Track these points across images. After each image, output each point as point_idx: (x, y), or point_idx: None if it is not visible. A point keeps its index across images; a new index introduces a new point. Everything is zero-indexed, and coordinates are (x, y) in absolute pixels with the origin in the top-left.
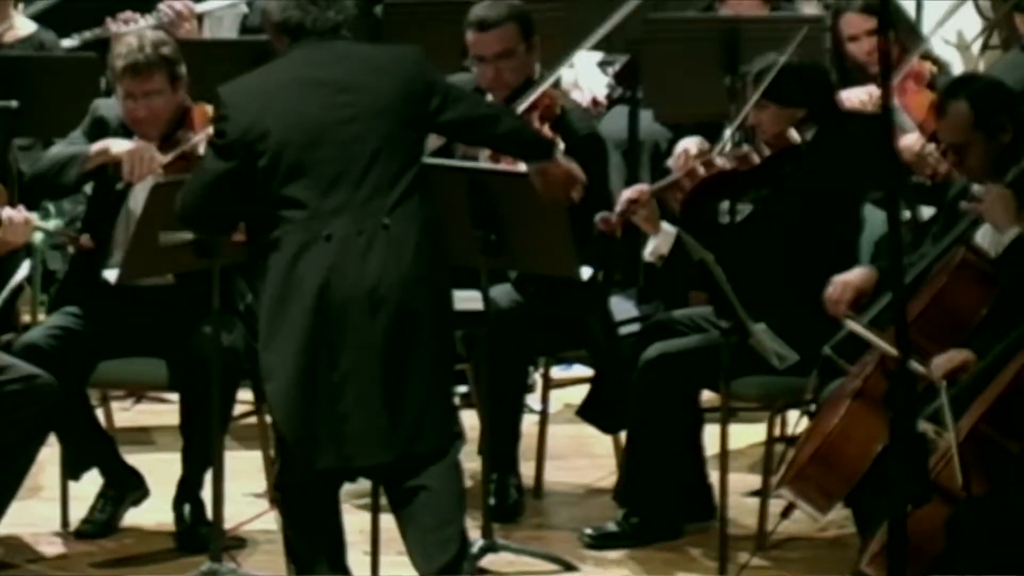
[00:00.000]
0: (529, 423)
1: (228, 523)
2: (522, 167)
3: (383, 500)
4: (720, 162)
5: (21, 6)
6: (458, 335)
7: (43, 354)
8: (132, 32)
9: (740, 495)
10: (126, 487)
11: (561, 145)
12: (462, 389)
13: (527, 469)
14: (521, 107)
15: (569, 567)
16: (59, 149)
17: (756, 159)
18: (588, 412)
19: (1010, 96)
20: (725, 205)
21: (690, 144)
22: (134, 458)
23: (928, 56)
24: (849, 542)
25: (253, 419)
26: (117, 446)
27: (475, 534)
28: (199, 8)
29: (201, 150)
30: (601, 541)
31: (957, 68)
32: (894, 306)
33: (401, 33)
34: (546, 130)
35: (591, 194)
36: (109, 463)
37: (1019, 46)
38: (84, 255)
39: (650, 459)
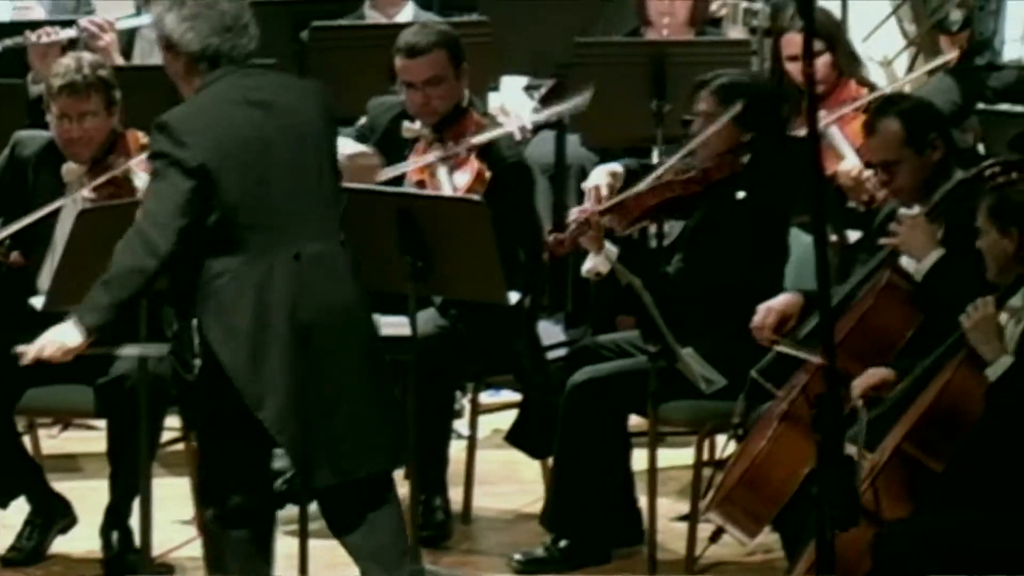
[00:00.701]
0: (457, 449)
1: (156, 550)
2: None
3: (312, 525)
4: (667, 187)
5: None
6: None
7: None
8: (70, 54)
9: (668, 519)
10: (53, 514)
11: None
12: None
13: (455, 494)
14: (463, 146)
15: None
16: None
17: (699, 185)
18: (516, 437)
19: (940, 115)
20: (652, 229)
21: (600, 180)
22: (61, 485)
23: (864, 82)
24: (777, 566)
25: (180, 446)
26: (44, 473)
27: None
28: (120, 25)
29: (135, 177)
30: (530, 566)
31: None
32: (822, 328)
33: (327, 57)
34: (472, 159)
35: (518, 220)
36: (36, 491)
37: (945, 70)
38: (9, 281)
39: (578, 484)
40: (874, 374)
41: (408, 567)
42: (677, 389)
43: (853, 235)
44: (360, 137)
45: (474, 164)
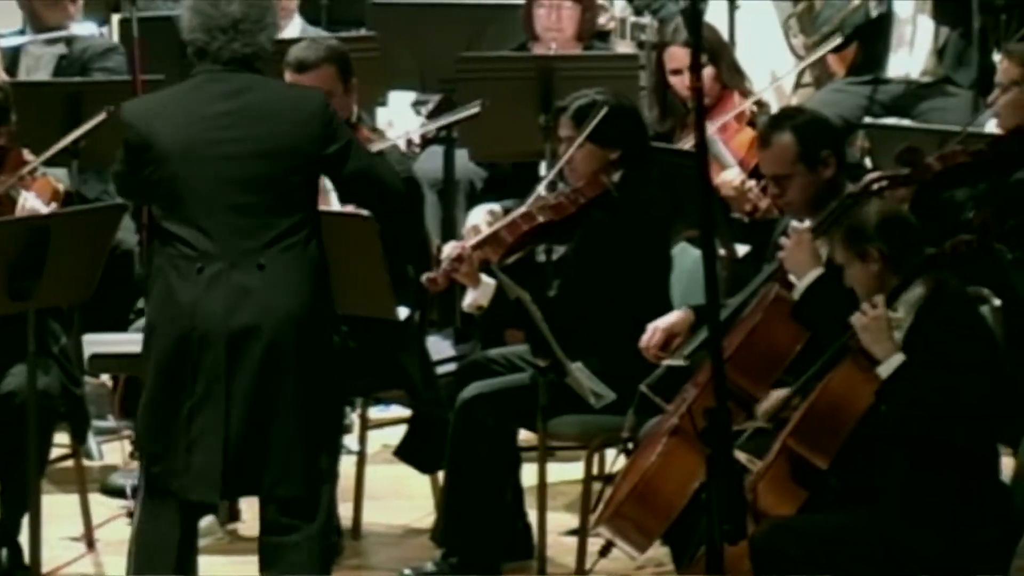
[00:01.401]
0: (347, 464)
1: (45, 567)
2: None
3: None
4: (538, 214)
5: None
6: None
7: None
8: None
9: (558, 534)
10: None
11: None
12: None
13: (345, 510)
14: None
15: None
16: None
17: (572, 208)
18: (406, 452)
19: (834, 131)
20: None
21: (479, 220)
22: None
23: (748, 94)
24: None
25: (70, 462)
26: None
27: None
28: (2, 43)
29: (17, 195)
30: None
31: (773, 106)
32: (711, 343)
33: None
34: None
35: (406, 235)
36: None
37: (831, 85)
38: None
39: (468, 499)
40: (778, 397)
41: None
42: (566, 403)
43: (742, 249)
44: None
45: None
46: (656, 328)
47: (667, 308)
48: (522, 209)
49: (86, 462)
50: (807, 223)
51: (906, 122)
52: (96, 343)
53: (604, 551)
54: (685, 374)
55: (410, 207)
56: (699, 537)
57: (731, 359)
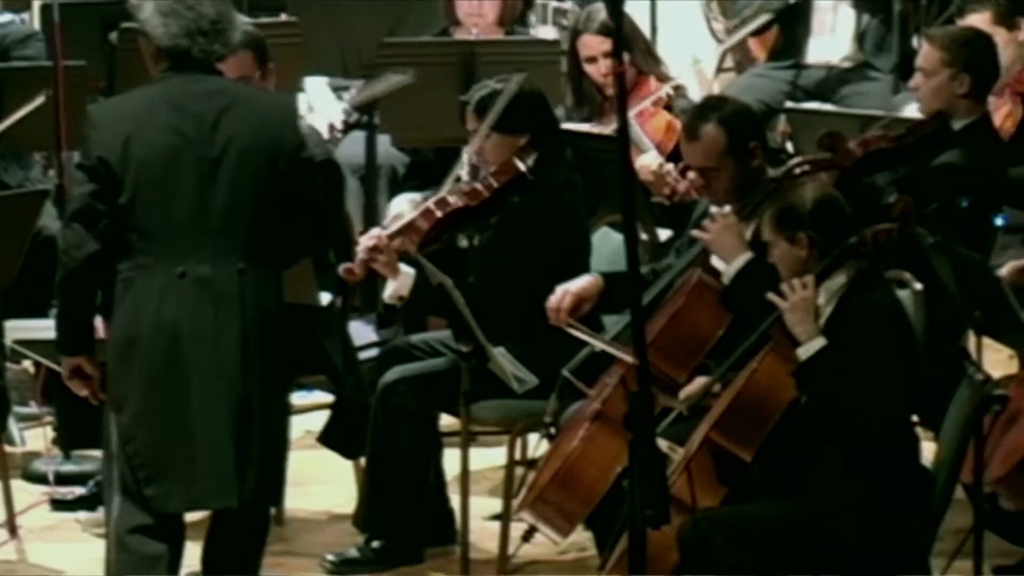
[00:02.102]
0: None
1: None
2: None
3: None
4: (453, 200)
5: None
6: None
7: None
8: None
9: (481, 519)
10: None
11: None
12: None
13: None
14: None
15: None
16: None
17: (486, 193)
18: (328, 438)
19: (759, 122)
20: None
21: (402, 206)
22: None
23: (664, 79)
24: (590, 564)
25: None
26: None
27: None
28: None
29: None
30: (342, 567)
31: (692, 90)
32: (633, 326)
33: (137, 59)
34: None
35: (326, 220)
36: None
37: (753, 70)
38: None
39: (390, 484)
40: (702, 383)
41: None
42: (489, 388)
43: (664, 233)
44: None
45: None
46: (567, 291)
47: None
48: (435, 198)
49: (8, 448)
50: (727, 208)
51: (827, 107)
52: (18, 329)
53: (527, 536)
54: (607, 358)
55: (332, 190)
56: (622, 522)
57: (653, 344)
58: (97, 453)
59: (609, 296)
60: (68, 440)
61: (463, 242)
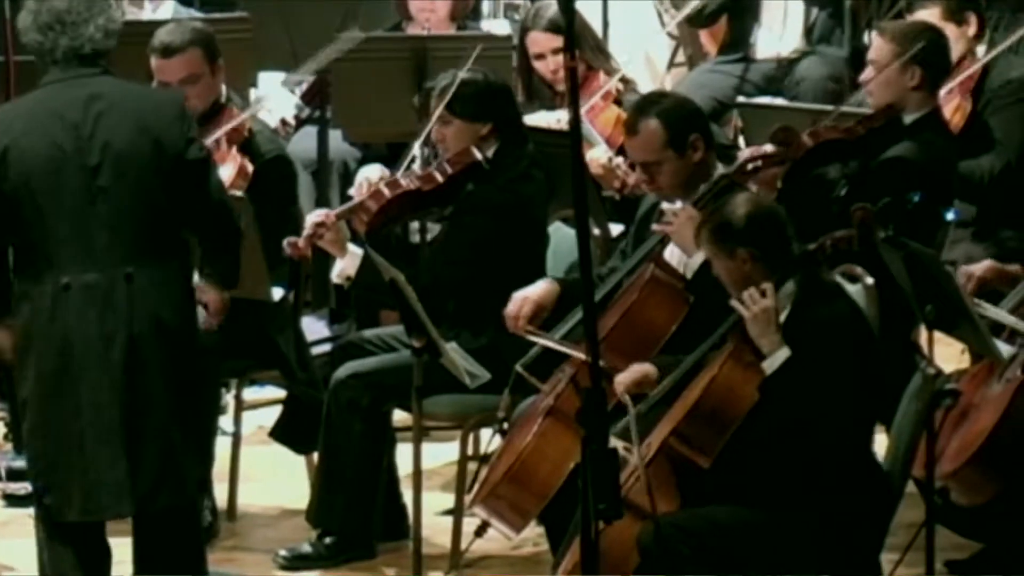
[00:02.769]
0: (222, 445)
1: None
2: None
3: None
4: (405, 182)
5: None
6: None
7: None
8: None
9: (434, 514)
10: None
11: None
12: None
13: (221, 491)
14: (213, 137)
15: None
16: None
17: (440, 178)
18: (281, 433)
19: (700, 114)
20: (415, 225)
21: (371, 173)
22: None
23: (614, 73)
24: (543, 559)
25: None
26: None
27: None
28: None
29: None
30: (295, 562)
31: (644, 85)
32: (586, 322)
33: None
34: (234, 153)
35: (280, 216)
36: None
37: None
38: None
39: (343, 479)
40: (636, 370)
41: None
42: (442, 383)
43: (615, 228)
44: None
45: (236, 159)
46: (526, 299)
47: None
48: (388, 179)
49: None
50: (678, 203)
51: (778, 101)
52: None
53: (480, 531)
54: (560, 354)
55: (284, 185)
56: (575, 517)
57: (606, 339)
58: None
59: (566, 301)
60: (20, 436)
61: (415, 237)
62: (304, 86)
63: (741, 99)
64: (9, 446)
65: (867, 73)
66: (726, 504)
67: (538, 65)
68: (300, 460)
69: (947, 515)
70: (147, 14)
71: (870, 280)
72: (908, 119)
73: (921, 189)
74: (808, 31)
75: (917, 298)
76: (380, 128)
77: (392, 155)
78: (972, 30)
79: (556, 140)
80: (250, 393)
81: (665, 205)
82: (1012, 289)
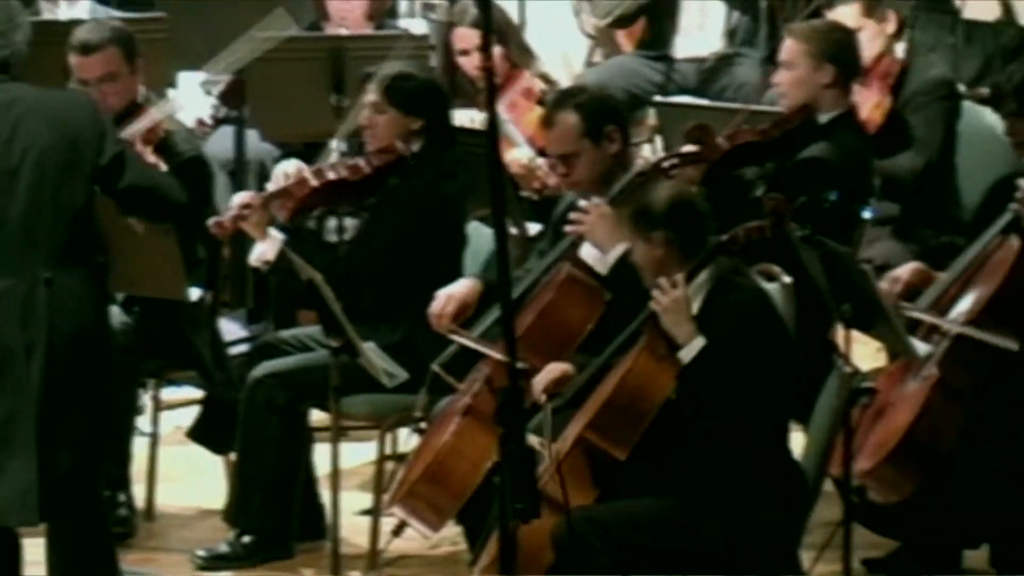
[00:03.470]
0: (140, 445)
1: None
2: None
3: None
4: (331, 172)
5: None
6: None
7: None
8: None
9: (352, 514)
10: None
11: None
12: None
13: (139, 491)
14: (128, 131)
15: None
16: None
17: (366, 169)
18: (198, 433)
19: (617, 108)
20: (332, 223)
21: (288, 167)
22: None
23: (538, 73)
24: (461, 558)
25: None
26: None
27: None
28: None
29: None
30: (213, 562)
31: (561, 84)
32: (503, 321)
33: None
34: (149, 154)
35: (197, 217)
36: None
37: (624, 56)
38: None
39: (260, 479)
40: (554, 369)
41: None
42: (359, 383)
43: (533, 227)
44: None
45: (151, 159)
46: (450, 297)
47: None
48: (314, 168)
49: None
50: (596, 199)
51: (696, 100)
52: None
53: (397, 531)
54: (477, 353)
55: (201, 186)
56: (493, 516)
57: (523, 338)
58: None
59: (489, 299)
60: None
61: (332, 237)
62: (221, 86)
63: (658, 98)
64: None
65: (779, 75)
66: (643, 497)
67: (463, 61)
68: (218, 460)
69: (864, 513)
70: (63, 12)
71: (787, 279)
72: (823, 119)
73: (837, 188)
74: (730, 33)
75: (834, 297)
76: (297, 127)
77: (309, 154)
78: (891, 27)
79: (475, 139)
80: (167, 393)
81: (582, 203)
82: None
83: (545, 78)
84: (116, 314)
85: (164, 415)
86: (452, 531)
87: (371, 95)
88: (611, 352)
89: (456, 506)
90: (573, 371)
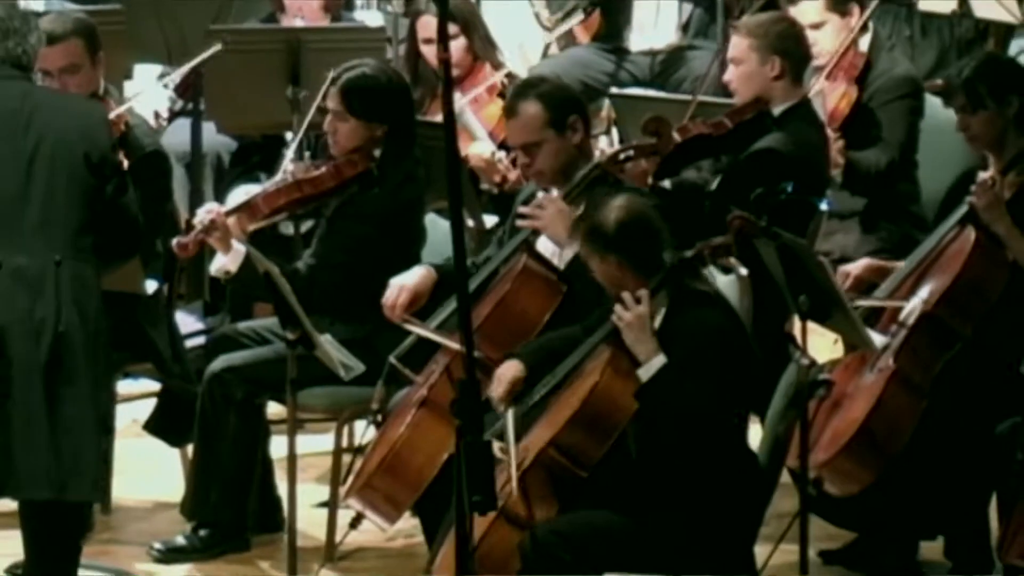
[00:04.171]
0: None
1: None
2: None
3: None
4: (297, 190)
5: None
6: None
7: None
8: None
9: (309, 506)
10: None
11: None
12: None
13: None
14: None
15: None
16: None
17: (330, 182)
18: (155, 426)
19: (579, 99)
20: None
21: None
22: None
23: (500, 66)
24: (418, 551)
25: None
26: None
27: None
28: None
29: None
30: (170, 555)
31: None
32: (460, 314)
33: None
34: None
35: (155, 211)
36: None
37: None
38: None
39: (217, 472)
40: (504, 376)
41: None
42: (316, 376)
43: (490, 220)
44: None
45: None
46: (403, 287)
47: None
48: (278, 180)
49: None
50: (554, 192)
51: (651, 92)
52: None
53: (354, 523)
54: (434, 344)
55: (159, 180)
56: (450, 508)
57: (480, 330)
58: None
59: (443, 288)
60: None
61: (288, 229)
62: (177, 78)
63: (615, 90)
64: None
65: (729, 72)
66: (603, 508)
67: (426, 50)
68: (174, 453)
69: (821, 505)
70: (20, 4)
71: (743, 271)
72: (776, 110)
73: (793, 179)
74: (684, 27)
75: (790, 289)
76: (253, 119)
77: (266, 146)
78: (855, 20)
79: (434, 132)
80: (124, 386)
81: (540, 195)
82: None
83: (508, 73)
84: None
85: (120, 408)
86: (408, 523)
87: (331, 103)
88: (575, 361)
89: (412, 498)
90: (522, 368)
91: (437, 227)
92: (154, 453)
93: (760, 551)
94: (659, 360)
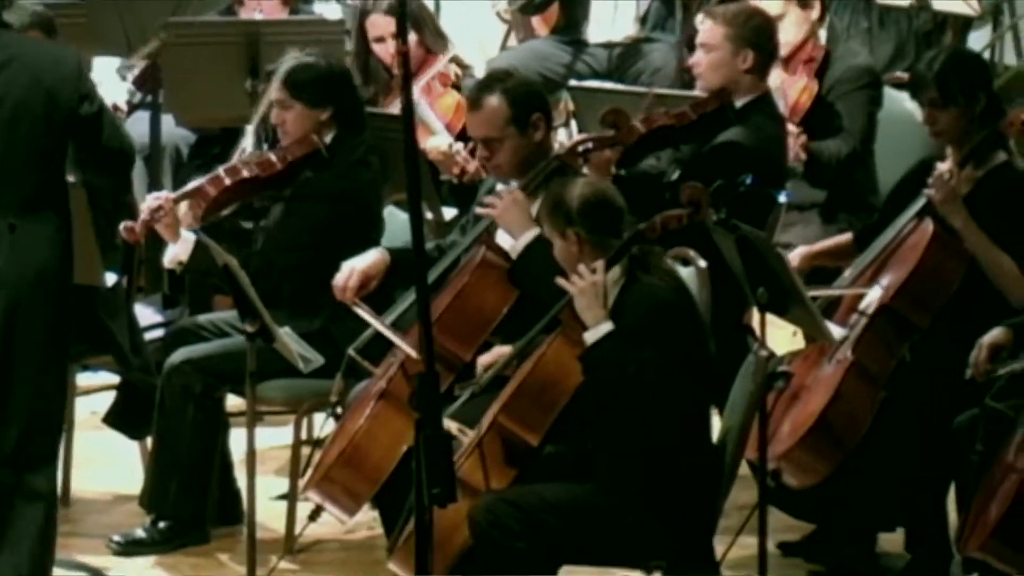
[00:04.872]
0: None
1: None
2: None
3: None
4: (244, 170)
5: None
6: None
7: None
8: None
9: (268, 499)
10: None
11: None
12: None
13: None
14: None
15: (97, 574)
16: None
17: (279, 165)
18: (114, 419)
19: (543, 95)
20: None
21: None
22: None
23: (453, 58)
24: (377, 543)
25: None
26: None
27: None
28: None
29: None
30: (129, 547)
31: (476, 69)
32: (419, 306)
33: None
34: None
35: (114, 203)
36: None
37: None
38: None
39: (177, 464)
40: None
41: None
42: (275, 368)
43: (449, 212)
44: None
45: None
46: (353, 269)
47: None
48: (227, 165)
49: None
50: (514, 184)
51: (610, 84)
52: None
53: (314, 515)
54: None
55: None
56: (409, 501)
57: (438, 321)
58: None
59: (396, 272)
60: None
61: (248, 224)
62: (136, 71)
63: (573, 82)
64: None
65: (697, 56)
66: (563, 482)
67: (377, 48)
68: (133, 445)
69: (779, 497)
70: None
71: (702, 263)
72: (739, 103)
73: (753, 172)
74: (642, 19)
75: (749, 281)
76: (212, 112)
77: (225, 139)
78: (816, 13)
79: (392, 124)
80: (83, 379)
81: (500, 187)
82: (843, 263)
83: (459, 62)
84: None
85: (80, 400)
86: (368, 515)
87: (275, 92)
88: (530, 337)
89: (372, 490)
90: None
91: (396, 219)
92: (113, 446)
93: (719, 543)
94: (606, 326)
